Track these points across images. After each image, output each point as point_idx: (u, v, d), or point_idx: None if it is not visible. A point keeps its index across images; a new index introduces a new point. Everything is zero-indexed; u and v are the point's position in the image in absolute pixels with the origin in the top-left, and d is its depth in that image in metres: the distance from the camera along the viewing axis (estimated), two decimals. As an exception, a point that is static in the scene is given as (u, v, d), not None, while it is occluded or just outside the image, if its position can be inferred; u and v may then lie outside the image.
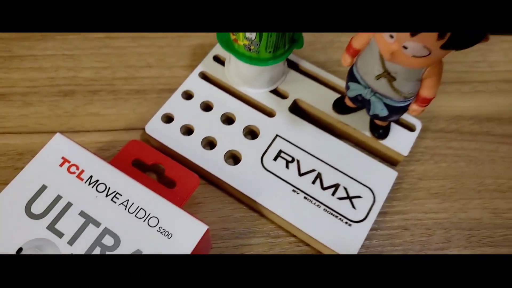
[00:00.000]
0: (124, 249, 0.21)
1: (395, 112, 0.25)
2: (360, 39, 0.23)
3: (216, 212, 0.27)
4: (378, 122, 0.27)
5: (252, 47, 0.25)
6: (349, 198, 0.26)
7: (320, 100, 0.29)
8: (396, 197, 0.28)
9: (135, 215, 0.22)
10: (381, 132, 0.27)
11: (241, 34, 0.24)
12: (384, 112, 0.24)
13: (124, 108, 0.30)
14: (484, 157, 0.30)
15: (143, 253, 0.21)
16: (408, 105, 0.24)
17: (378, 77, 0.23)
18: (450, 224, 0.27)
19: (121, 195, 0.22)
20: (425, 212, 0.28)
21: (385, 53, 0.20)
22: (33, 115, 0.29)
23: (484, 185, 0.29)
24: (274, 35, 0.24)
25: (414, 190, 0.28)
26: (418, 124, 0.28)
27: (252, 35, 0.24)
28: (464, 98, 0.32)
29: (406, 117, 0.28)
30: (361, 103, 0.26)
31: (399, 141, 0.28)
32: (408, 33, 0.18)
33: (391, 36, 0.20)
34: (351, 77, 0.25)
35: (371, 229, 0.27)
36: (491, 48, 0.35)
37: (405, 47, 0.19)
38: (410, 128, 0.28)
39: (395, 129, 0.28)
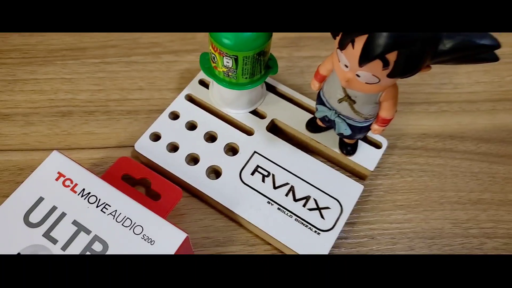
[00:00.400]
0: (111, 252, 0.23)
1: (358, 131, 0.27)
2: (325, 66, 0.26)
3: (198, 223, 0.29)
4: (346, 140, 0.30)
5: (230, 74, 0.28)
6: (319, 209, 0.28)
7: (295, 120, 0.32)
8: (364, 209, 0.30)
9: (122, 224, 0.24)
10: (349, 149, 0.30)
11: (219, 62, 0.27)
12: (347, 132, 0.27)
13: (116, 127, 0.32)
14: (447, 172, 0.32)
15: (128, 258, 0.23)
16: (370, 125, 0.27)
17: (340, 100, 0.26)
18: (414, 234, 0.30)
19: (110, 206, 0.25)
20: (390, 223, 0.30)
21: (341, 80, 0.23)
22: (33, 133, 0.32)
23: (446, 198, 0.31)
24: (249, 63, 0.27)
25: (381, 202, 0.31)
26: (384, 142, 0.31)
27: (229, 63, 0.27)
28: (430, 117, 0.35)
29: (373, 135, 0.31)
30: (329, 123, 0.29)
31: (366, 157, 0.30)
32: (357, 65, 0.21)
33: (346, 66, 0.22)
34: (319, 100, 0.28)
35: (340, 238, 0.29)
36: (456, 71, 0.38)
37: (358, 75, 0.22)
38: (377, 146, 0.31)
39: (362, 146, 0.31)
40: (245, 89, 0.29)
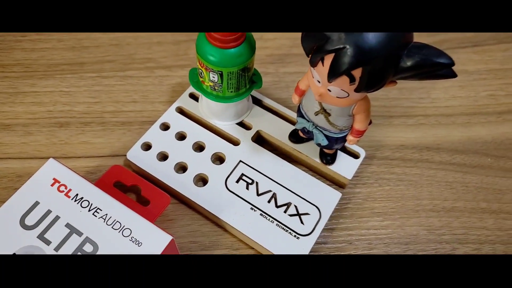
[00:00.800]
0: (101, 252, 0.25)
1: (335, 142, 0.29)
2: (304, 82, 0.28)
3: (186, 228, 0.31)
4: (326, 150, 0.32)
5: (216, 88, 0.30)
6: (299, 215, 0.30)
7: (279, 131, 0.34)
8: (343, 215, 0.32)
9: (112, 227, 0.26)
10: (328, 158, 0.32)
11: (206, 77, 0.29)
12: (324, 142, 0.29)
13: (110, 138, 0.34)
14: (423, 182, 0.34)
15: (117, 258, 0.25)
16: (345, 135, 0.29)
17: (317, 113, 0.28)
18: (390, 239, 0.31)
19: (101, 210, 0.26)
20: (368, 229, 0.32)
21: (315, 94, 0.25)
22: (32, 143, 0.34)
23: (422, 206, 0.33)
24: (233, 78, 0.29)
25: (359, 209, 0.32)
26: (362, 152, 0.33)
27: (215, 78, 0.29)
28: (408, 130, 0.37)
29: (352, 146, 0.33)
30: (309, 134, 0.30)
31: (345, 166, 0.32)
32: (327, 80, 0.23)
33: (319, 81, 0.24)
34: (299, 113, 0.30)
35: (319, 243, 0.31)
36: (434, 86, 0.40)
37: (329, 90, 0.24)
38: (355, 156, 0.33)
39: (342, 156, 0.33)
40: (231, 102, 0.31)
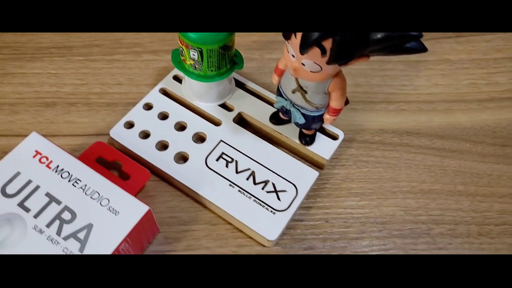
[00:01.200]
0: (79, 223, 0.25)
1: (312, 121, 0.30)
2: (282, 61, 0.29)
3: (166, 203, 0.31)
4: (305, 131, 0.33)
5: (197, 66, 0.31)
6: (276, 192, 0.31)
7: (261, 113, 0.34)
8: (320, 195, 0.33)
9: (91, 197, 0.26)
10: (307, 139, 0.33)
11: (187, 55, 0.30)
12: (302, 120, 0.30)
13: (95, 118, 0.35)
14: (402, 165, 0.35)
15: (94, 226, 0.25)
16: (322, 114, 0.29)
17: (294, 91, 0.28)
18: (366, 219, 0.32)
19: (80, 181, 0.27)
20: (344, 208, 0.32)
21: (290, 69, 0.26)
22: (18, 121, 0.35)
23: (399, 187, 0.34)
24: (214, 56, 0.30)
25: (337, 189, 0.33)
26: (340, 134, 0.33)
27: (195, 56, 0.30)
28: (389, 115, 0.38)
29: (331, 128, 0.34)
30: (288, 115, 0.31)
31: (323, 147, 0.33)
32: (299, 53, 0.24)
33: (293, 56, 0.25)
34: (278, 92, 0.30)
35: (296, 220, 0.31)
36: (418, 74, 0.41)
37: (303, 64, 0.25)
38: (334, 137, 0.33)
39: (321, 137, 0.33)
40: (212, 81, 0.32)
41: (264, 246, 0.30)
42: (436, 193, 0.34)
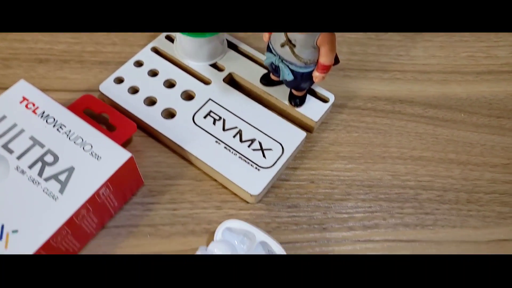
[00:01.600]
0: (61, 165, 0.26)
1: (301, 78, 0.30)
2: (272, 16, 0.29)
3: (152, 159, 0.31)
4: (295, 92, 0.32)
5: (187, 21, 0.30)
6: (262, 150, 0.30)
7: (252, 75, 0.34)
8: (307, 157, 0.32)
9: (74, 142, 0.27)
10: (297, 101, 0.32)
11: (177, 9, 0.30)
12: (290, 77, 0.29)
13: (87, 75, 0.35)
14: (393, 131, 0.34)
15: (75, 169, 0.25)
16: (311, 72, 0.29)
17: (282, 44, 0.28)
18: (352, 181, 0.32)
19: (65, 127, 0.27)
20: (331, 170, 0.32)
21: (276, 19, 0.26)
22: (11, 75, 0.35)
23: (389, 153, 0.33)
24: (203, 11, 0.30)
25: (324, 152, 0.33)
26: (331, 97, 0.33)
27: (185, 9, 0.30)
28: (383, 83, 0.37)
29: (322, 91, 0.33)
30: (278, 74, 0.31)
31: (313, 109, 0.32)
32: None
33: (279, 5, 0.25)
34: (268, 48, 0.30)
35: (282, 180, 0.31)
36: (415, 45, 0.40)
37: (289, 13, 0.25)
38: (324, 100, 0.33)
39: (311, 100, 0.33)
40: (203, 37, 0.32)
41: (247, 202, 0.30)
42: (426, 160, 0.33)
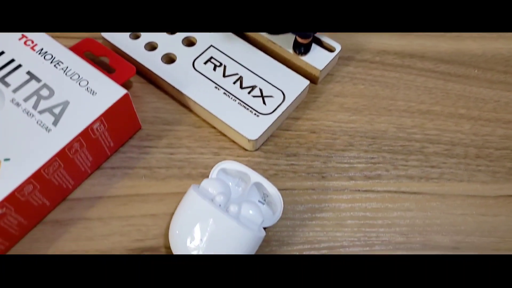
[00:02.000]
0: (56, 99, 0.25)
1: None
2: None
3: (151, 104, 0.31)
4: (300, 39, 0.31)
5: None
6: (262, 96, 0.30)
7: (256, 24, 0.33)
8: (310, 107, 0.31)
9: (70, 77, 0.26)
10: (302, 49, 0.31)
11: None
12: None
13: (91, 23, 0.35)
14: (401, 85, 0.33)
15: (70, 103, 0.25)
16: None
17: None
18: (356, 132, 0.31)
19: (62, 63, 0.27)
20: (334, 121, 0.31)
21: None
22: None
23: (395, 106, 0.32)
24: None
25: (328, 103, 0.32)
26: (337, 47, 0.32)
27: None
28: (393, 37, 0.36)
29: (328, 40, 0.32)
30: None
31: (318, 58, 0.31)
32: None
33: None
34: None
35: (282, 129, 0.30)
36: (429, 1, 0.38)
37: None
38: (330, 50, 0.32)
39: (316, 49, 0.32)
40: (205, -17, 0.31)
41: (245, 150, 0.29)
42: (434, 114, 0.32)
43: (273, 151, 0.29)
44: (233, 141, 0.30)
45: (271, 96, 0.30)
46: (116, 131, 0.27)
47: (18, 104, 0.25)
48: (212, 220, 0.23)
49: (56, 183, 0.25)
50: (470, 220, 0.27)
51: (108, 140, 0.27)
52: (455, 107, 0.32)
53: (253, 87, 0.30)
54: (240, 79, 0.30)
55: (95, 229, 0.26)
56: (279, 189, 0.26)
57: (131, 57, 0.31)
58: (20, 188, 0.23)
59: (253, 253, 0.24)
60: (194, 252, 0.23)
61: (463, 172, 0.29)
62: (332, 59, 0.32)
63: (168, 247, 0.25)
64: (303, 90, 0.30)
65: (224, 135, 0.30)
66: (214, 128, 0.30)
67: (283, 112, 0.29)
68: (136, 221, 0.26)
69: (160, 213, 0.27)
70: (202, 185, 0.25)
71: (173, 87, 0.30)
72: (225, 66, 0.31)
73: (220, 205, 0.24)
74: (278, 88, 0.30)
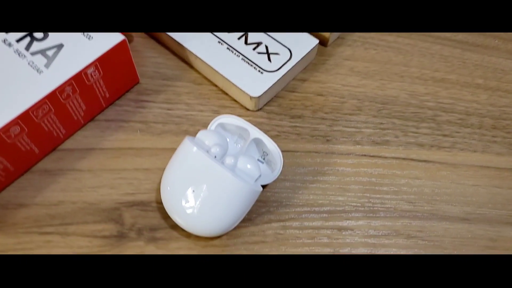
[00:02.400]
0: (50, 42, 0.24)
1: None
2: None
3: (151, 59, 0.30)
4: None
5: None
6: (268, 53, 0.28)
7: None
8: (318, 69, 0.30)
9: (65, 21, 0.25)
10: (311, 7, 0.30)
11: None
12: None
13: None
14: (415, 51, 0.31)
15: (64, 46, 0.24)
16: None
17: None
18: (365, 97, 0.29)
19: (58, 7, 0.26)
20: (343, 85, 0.29)
21: None
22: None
23: (408, 73, 0.30)
24: None
25: (338, 66, 0.30)
26: (349, 7, 0.30)
27: None
28: (409, 4, 0.34)
29: None
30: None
31: (328, 18, 0.30)
32: None
33: None
34: None
35: (287, 90, 0.29)
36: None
37: None
38: (341, 10, 0.30)
39: (326, 9, 0.30)
40: None
41: (247, 109, 0.28)
42: (450, 82, 0.30)
43: (277, 112, 0.28)
44: (235, 100, 0.28)
45: (277, 54, 0.28)
46: (112, 81, 0.26)
47: (10, 45, 0.24)
48: (206, 171, 0.21)
49: (46, 129, 0.24)
50: (483, 192, 0.26)
51: (103, 90, 0.26)
52: (472, 76, 0.30)
53: (258, 44, 0.28)
54: (245, 34, 0.29)
55: (85, 181, 0.25)
56: (281, 151, 0.25)
57: (132, 9, 0.30)
58: (5, 128, 0.22)
59: (248, 208, 0.22)
60: (186, 205, 0.21)
61: (477, 142, 0.28)
62: (344, 20, 0.30)
63: (159, 202, 0.24)
64: (312, 49, 0.29)
65: (226, 93, 0.28)
66: (215, 86, 0.29)
67: (289, 71, 0.28)
68: (128, 175, 0.25)
69: (154, 168, 0.25)
70: (198, 136, 0.23)
71: (175, 41, 0.29)
72: (230, 22, 0.29)
73: (215, 157, 0.22)
74: (285, 46, 0.28)
